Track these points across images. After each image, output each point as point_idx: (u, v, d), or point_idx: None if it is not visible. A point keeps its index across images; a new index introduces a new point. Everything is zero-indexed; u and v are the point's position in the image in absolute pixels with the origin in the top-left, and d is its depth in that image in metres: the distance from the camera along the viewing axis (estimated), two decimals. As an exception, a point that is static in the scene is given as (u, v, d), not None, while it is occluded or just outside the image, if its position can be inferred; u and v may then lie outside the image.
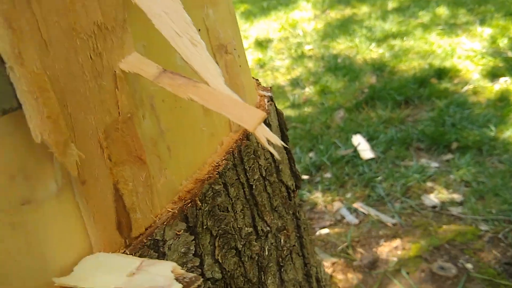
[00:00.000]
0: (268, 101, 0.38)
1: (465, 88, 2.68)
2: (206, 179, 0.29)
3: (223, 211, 0.30)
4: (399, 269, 1.58)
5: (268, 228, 0.35)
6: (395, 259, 1.64)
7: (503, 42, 3.05)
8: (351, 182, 2.15)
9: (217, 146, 0.30)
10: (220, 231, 0.30)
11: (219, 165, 0.30)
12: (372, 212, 1.93)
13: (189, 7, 0.27)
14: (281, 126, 0.39)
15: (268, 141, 0.26)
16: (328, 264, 1.68)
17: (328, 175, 2.23)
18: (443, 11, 3.73)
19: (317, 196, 2.10)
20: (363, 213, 1.97)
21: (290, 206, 0.40)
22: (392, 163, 2.23)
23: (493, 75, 2.74)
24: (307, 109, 2.80)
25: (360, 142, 2.34)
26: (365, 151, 2.28)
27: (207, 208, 0.29)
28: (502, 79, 2.68)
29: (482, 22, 3.40)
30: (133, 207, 0.26)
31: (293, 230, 0.41)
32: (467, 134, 2.29)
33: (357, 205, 2.01)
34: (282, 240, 0.38)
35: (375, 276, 1.62)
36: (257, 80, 0.42)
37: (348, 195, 2.09)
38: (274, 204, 0.36)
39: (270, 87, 0.41)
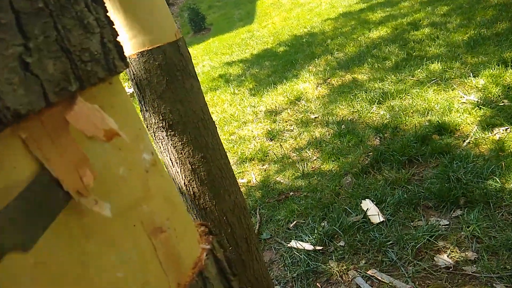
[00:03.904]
0: (206, 255, 0.50)
1: (466, 141, 2.75)
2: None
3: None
4: (415, 338, 1.59)
5: None
6: (411, 327, 1.65)
7: (497, 91, 3.15)
8: (363, 248, 2.20)
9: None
10: None
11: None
12: (386, 278, 1.96)
13: (121, 210, 0.41)
14: (223, 273, 0.51)
15: None
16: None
17: (341, 243, 2.28)
18: (437, 66, 3.90)
19: (332, 267, 2.14)
20: (378, 280, 2.00)
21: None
22: (402, 225, 2.27)
23: (492, 125, 2.82)
24: (317, 178, 2.91)
25: (369, 207, 2.41)
26: (375, 215, 2.34)
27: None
28: (501, 129, 2.76)
29: (475, 73, 3.53)
30: None
31: None
32: (473, 188, 2.34)
33: (371, 272, 2.05)
34: None
35: None
36: (205, 226, 0.54)
37: (362, 262, 2.13)
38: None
39: (212, 235, 0.52)
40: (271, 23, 8.74)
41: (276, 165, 3.25)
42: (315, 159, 3.15)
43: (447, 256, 2.02)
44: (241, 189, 3.09)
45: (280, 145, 3.51)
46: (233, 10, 11.95)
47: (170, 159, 1.33)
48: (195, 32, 10.83)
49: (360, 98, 3.79)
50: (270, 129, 3.84)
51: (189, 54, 1.33)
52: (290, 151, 3.40)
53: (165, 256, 0.44)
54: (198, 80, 1.35)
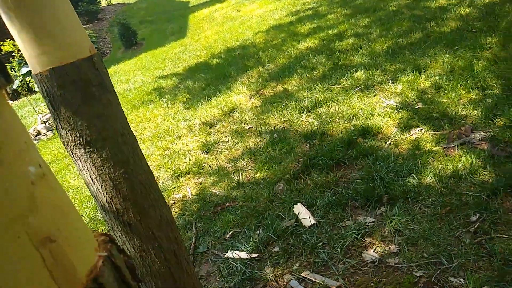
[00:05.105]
0: (102, 262, 0.51)
1: (388, 142, 2.95)
2: None
3: None
4: (345, 332, 1.67)
5: None
6: (341, 322, 1.73)
7: (412, 95, 3.42)
8: (297, 252, 2.27)
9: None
10: None
11: None
12: (318, 278, 2.04)
13: (4, 222, 0.41)
14: (121, 277, 0.52)
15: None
16: None
17: (276, 248, 2.34)
18: (360, 74, 4.15)
19: (268, 273, 2.19)
20: (311, 280, 2.07)
21: None
22: (332, 225, 2.38)
23: (409, 126, 3.05)
24: (251, 186, 2.96)
25: (300, 211, 2.50)
26: (306, 219, 2.43)
27: None
28: (417, 129, 2.99)
29: (394, 80, 3.81)
30: None
31: None
32: (394, 186, 2.51)
33: (305, 273, 2.12)
34: None
35: None
36: (105, 235, 0.55)
37: (296, 265, 2.20)
38: None
39: (110, 243, 0.53)
40: (204, 36, 8.79)
41: (212, 177, 3.27)
42: (250, 169, 3.20)
43: (373, 251, 2.14)
44: (177, 204, 3.08)
45: (215, 157, 3.54)
46: (165, 25, 11.87)
47: (90, 176, 1.30)
48: (126, 47, 10.61)
49: (291, 108, 3.92)
50: (205, 142, 3.85)
51: (106, 69, 1.33)
52: (225, 162, 3.43)
53: (55, 265, 0.45)
54: (116, 95, 1.34)
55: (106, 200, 1.32)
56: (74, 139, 1.26)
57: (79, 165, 1.31)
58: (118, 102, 1.34)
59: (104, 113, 1.26)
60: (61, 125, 1.26)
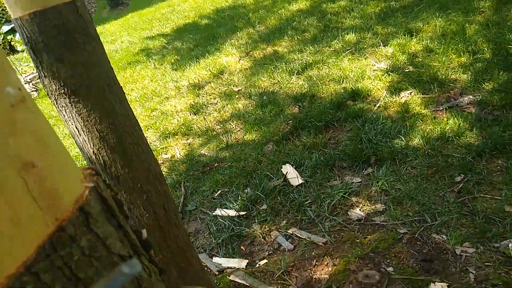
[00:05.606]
0: (89, 192, 0.50)
1: (377, 105, 2.95)
2: (15, 274, 0.38)
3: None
4: (330, 285, 1.71)
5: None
6: (326, 276, 1.77)
7: (403, 58, 3.39)
8: (284, 210, 2.30)
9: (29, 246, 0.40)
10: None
11: (27, 259, 0.40)
12: (305, 235, 2.08)
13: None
14: (110, 211, 0.51)
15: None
16: (269, 293, 1.79)
17: (263, 207, 2.36)
18: (352, 37, 4.09)
19: (255, 229, 2.22)
20: (298, 237, 2.11)
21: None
22: (319, 185, 2.40)
23: (399, 89, 3.04)
24: (240, 147, 2.96)
25: (288, 171, 2.51)
26: (294, 178, 2.45)
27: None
28: (407, 92, 2.99)
29: (385, 43, 3.76)
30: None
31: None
32: (382, 147, 2.52)
33: (291, 230, 2.15)
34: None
35: (312, 295, 1.74)
36: (92, 169, 0.54)
37: (283, 223, 2.23)
38: (104, 274, 0.47)
39: (97, 175, 0.52)
40: (193, -3, 8.52)
41: (201, 139, 3.25)
42: (239, 130, 3.19)
43: (359, 210, 2.18)
44: (165, 164, 3.06)
45: (204, 118, 3.50)
46: (152, -16, 11.45)
47: (76, 127, 1.27)
48: (111, 7, 10.25)
49: (281, 70, 3.87)
50: (193, 103, 3.80)
51: (90, 17, 1.27)
52: (214, 124, 3.40)
53: (39, 191, 0.43)
54: (101, 44, 1.29)
55: (93, 151, 1.30)
56: (58, 88, 1.22)
57: (64, 116, 1.28)
58: (103, 51, 1.29)
59: (89, 61, 1.22)
60: (44, 73, 1.21)
